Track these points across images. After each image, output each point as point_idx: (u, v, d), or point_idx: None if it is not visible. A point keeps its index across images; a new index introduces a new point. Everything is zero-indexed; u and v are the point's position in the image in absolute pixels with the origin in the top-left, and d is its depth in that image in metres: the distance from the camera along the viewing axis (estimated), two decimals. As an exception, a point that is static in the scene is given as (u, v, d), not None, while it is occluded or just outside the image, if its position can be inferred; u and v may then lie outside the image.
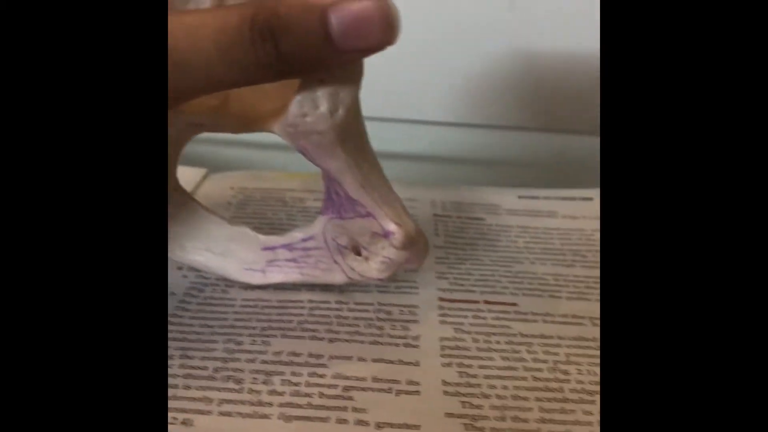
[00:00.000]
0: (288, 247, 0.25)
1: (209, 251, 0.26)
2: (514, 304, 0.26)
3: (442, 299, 0.26)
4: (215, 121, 0.22)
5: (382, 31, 0.17)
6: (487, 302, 0.26)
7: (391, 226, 0.23)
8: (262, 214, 0.32)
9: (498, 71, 0.45)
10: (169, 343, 0.23)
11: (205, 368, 0.22)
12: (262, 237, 0.25)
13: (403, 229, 0.23)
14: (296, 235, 0.25)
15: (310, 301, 0.25)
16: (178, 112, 0.21)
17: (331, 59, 0.18)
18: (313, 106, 0.20)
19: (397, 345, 0.23)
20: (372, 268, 0.24)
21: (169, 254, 0.26)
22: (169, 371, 0.21)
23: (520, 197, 0.35)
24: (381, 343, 0.23)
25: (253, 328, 0.24)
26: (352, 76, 0.20)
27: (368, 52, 0.18)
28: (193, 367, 0.22)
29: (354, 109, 0.21)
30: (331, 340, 0.23)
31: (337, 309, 0.25)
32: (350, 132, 0.21)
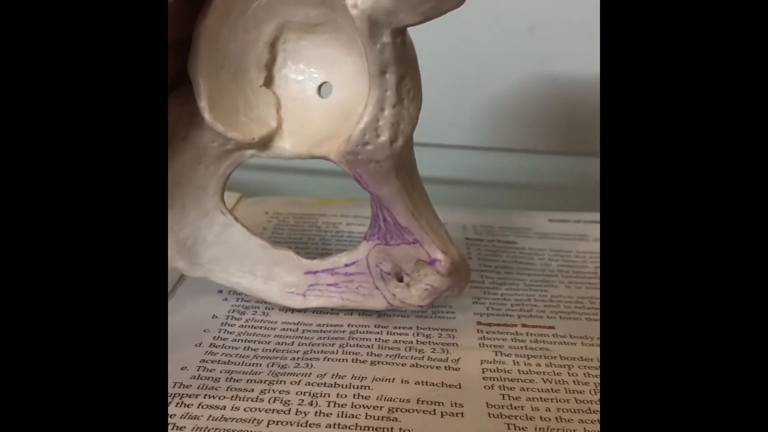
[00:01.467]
0: (330, 271, 0.25)
1: (252, 274, 0.26)
2: (551, 327, 0.26)
3: (480, 323, 0.26)
4: (267, 148, 0.23)
5: None
6: (524, 326, 0.26)
7: (438, 254, 0.23)
8: (297, 239, 0.33)
9: (521, 95, 0.45)
10: (216, 365, 0.23)
11: (251, 390, 0.22)
12: (305, 261, 0.26)
13: (449, 257, 0.23)
14: (340, 260, 0.25)
15: (350, 325, 0.26)
16: (228, 137, 0.22)
17: None
18: (375, 135, 0.21)
19: (438, 368, 0.23)
20: (413, 295, 0.25)
21: (211, 276, 0.26)
22: (217, 393, 0.22)
23: (550, 221, 0.36)
24: (422, 366, 0.23)
25: (296, 351, 0.24)
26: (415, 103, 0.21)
27: None
28: (240, 389, 0.22)
29: (411, 139, 0.22)
30: (373, 363, 0.24)
31: (377, 333, 0.25)
32: (404, 161, 0.22)
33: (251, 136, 0.23)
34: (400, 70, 0.21)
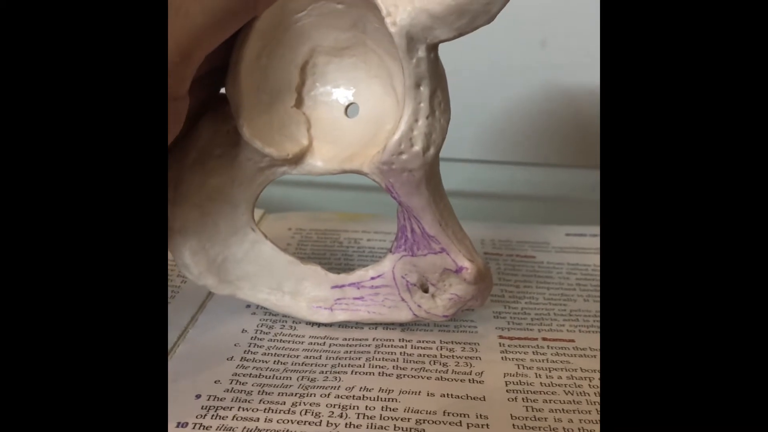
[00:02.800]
0: (356, 285, 0.26)
1: (280, 290, 0.27)
2: (571, 341, 0.27)
3: (501, 337, 0.27)
4: (300, 164, 0.24)
5: None
6: (545, 339, 0.27)
7: (465, 262, 0.24)
8: (321, 254, 0.34)
9: (534, 109, 0.46)
10: (248, 378, 0.24)
11: (283, 403, 0.23)
12: (332, 275, 0.27)
13: (476, 265, 0.24)
14: (366, 273, 0.26)
15: (375, 339, 0.27)
16: (262, 153, 0.23)
17: None
18: (409, 145, 0.22)
19: (462, 381, 0.24)
20: (438, 305, 0.26)
21: (239, 294, 0.27)
22: (250, 405, 0.23)
23: (567, 234, 0.36)
24: (447, 379, 0.24)
25: (324, 364, 0.25)
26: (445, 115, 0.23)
27: None
28: (272, 402, 0.23)
29: (440, 149, 0.23)
30: (398, 376, 0.24)
31: (401, 346, 0.26)
32: (434, 171, 0.23)
33: (286, 152, 0.24)
34: (433, 83, 0.22)
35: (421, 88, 0.22)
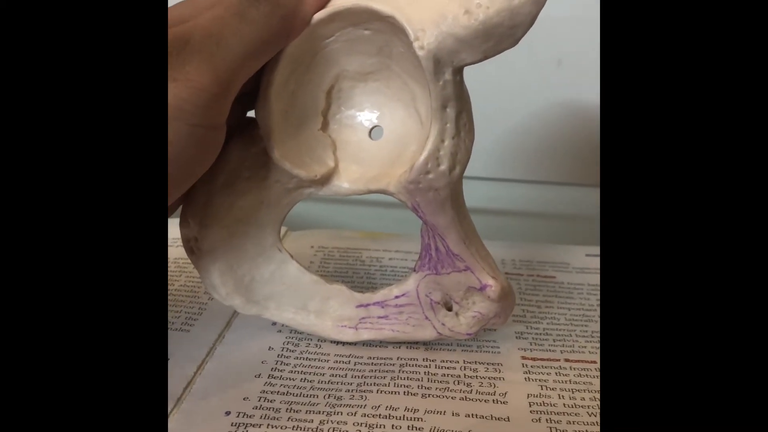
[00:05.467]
0: (381, 304, 0.27)
1: (305, 310, 0.27)
2: (594, 362, 0.27)
3: (524, 357, 0.27)
4: (327, 185, 0.25)
5: None
6: (567, 360, 0.27)
7: (489, 280, 0.25)
8: (344, 273, 0.34)
9: (550, 128, 0.46)
10: (276, 396, 0.24)
11: (311, 421, 0.23)
12: (357, 295, 0.27)
13: (499, 282, 0.25)
14: (391, 292, 0.26)
15: (399, 358, 0.27)
16: (291, 174, 0.24)
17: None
18: (436, 164, 0.23)
19: (486, 401, 0.24)
20: (462, 323, 0.26)
21: (265, 314, 0.27)
22: (279, 423, 0.23)
23: (587, 255, 0.37)
24: (471, 399, 0.25)
25: (350, 383, 0.25)
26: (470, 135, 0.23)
27: None
28: (300, 420, 0.23)
29: (464, 169, 0.23)
30: (423, 396, 0.25)
31: (425, 366, 0.27)
32: (458, 190, 0.24)
33: (314, 173, 0.24)
34: (459, 105, 0.23)
35: (448, 110, 0.23)
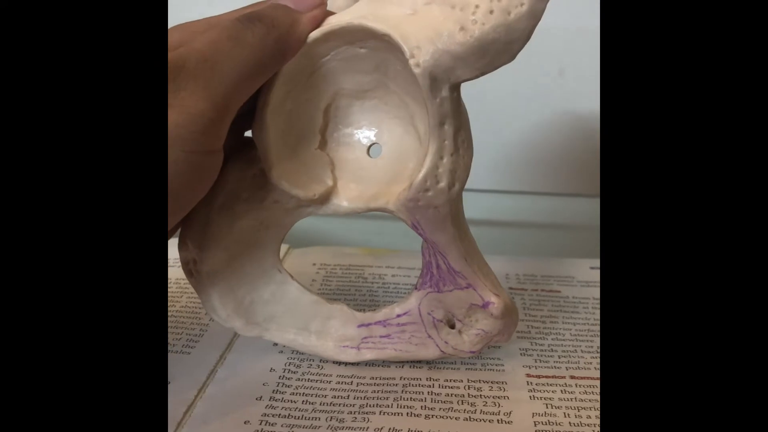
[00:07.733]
0: (383, 323, 0.26)
1: (306, 330, 0.27)
2: (599, 378, 0.27)
3: (529, 375, 0.27)
4: (326, 204, 0.25)
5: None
6: (573, 377, 0.27)
7: (491, 297, 0.24)
8: (346, 291, 0.34)
9: (552, 138, 0.46)
10: (277, 419, 0.24)
11: (313, 445, 0.23)
12: (358, 314, 0.27)
13: (502, 299, 0.24)
14: (392, 311, 0.26)
15: (402, 378, 0.27)
16: (289, 194, 0.24)
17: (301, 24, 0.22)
18: (435, 181, 0.23)
19: (491, 421, 0.24)
20: (465, 341, 0.26)
21: (266, 335, 0.27)
22: (280, 448, 0.23)
23: (591, 268, 0.36)
24: (476, 420, 0.24)
25: (352, 404, 0.25)
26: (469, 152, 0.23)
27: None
28: (301, 444, 0.23)
29: (464, 186, 0.23)
30: (427, 417, 0.24)
31: (428, 386, 0.26)
32: (458, 207, 0.23)
33: (312, 193, 0.24)
34: (456, 122, 0.23)
35: (445, 127, 0.22)
